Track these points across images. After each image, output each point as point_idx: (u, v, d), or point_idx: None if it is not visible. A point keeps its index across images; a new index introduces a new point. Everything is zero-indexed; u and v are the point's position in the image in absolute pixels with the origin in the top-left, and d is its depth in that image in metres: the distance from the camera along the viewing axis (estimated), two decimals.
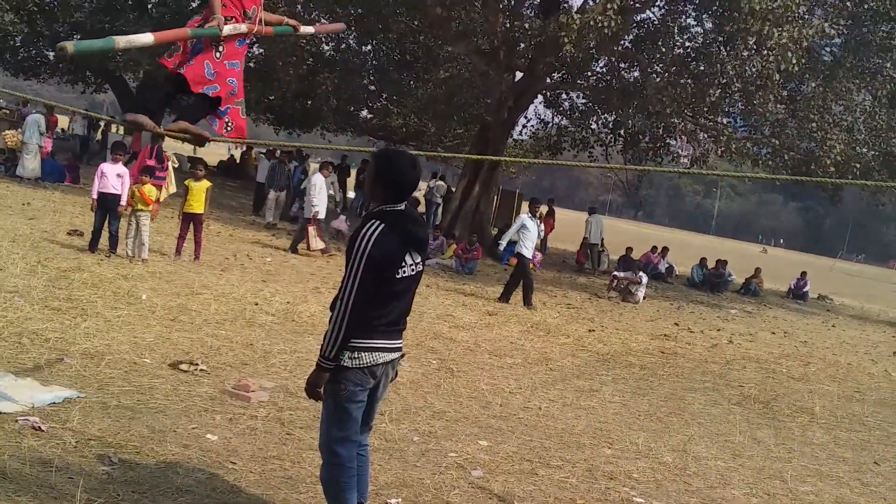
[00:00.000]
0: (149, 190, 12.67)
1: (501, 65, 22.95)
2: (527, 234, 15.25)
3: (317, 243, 17.24)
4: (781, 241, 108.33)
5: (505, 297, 15.43)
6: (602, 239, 26.58)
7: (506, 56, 22.99)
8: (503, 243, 16.44)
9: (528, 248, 15.33)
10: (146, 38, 4.43)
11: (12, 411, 5.62)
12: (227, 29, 4.78)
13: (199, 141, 5.54)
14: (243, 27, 4.89)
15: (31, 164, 20.12)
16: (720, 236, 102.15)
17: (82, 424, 5.63)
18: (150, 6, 31.09)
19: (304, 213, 17.45)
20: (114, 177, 12.51)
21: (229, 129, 5.19)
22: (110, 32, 27.04)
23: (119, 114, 30.92)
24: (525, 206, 22.18)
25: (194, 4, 31.59)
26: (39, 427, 5.42)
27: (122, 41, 4.35)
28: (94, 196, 12.50)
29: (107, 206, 12.50)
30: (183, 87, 5.06)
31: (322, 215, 17.47)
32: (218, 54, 4.91)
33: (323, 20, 27.28)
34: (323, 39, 29.57)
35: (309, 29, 5.71)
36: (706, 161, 24.53)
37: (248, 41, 5.13)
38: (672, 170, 23.16)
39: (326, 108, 30.52)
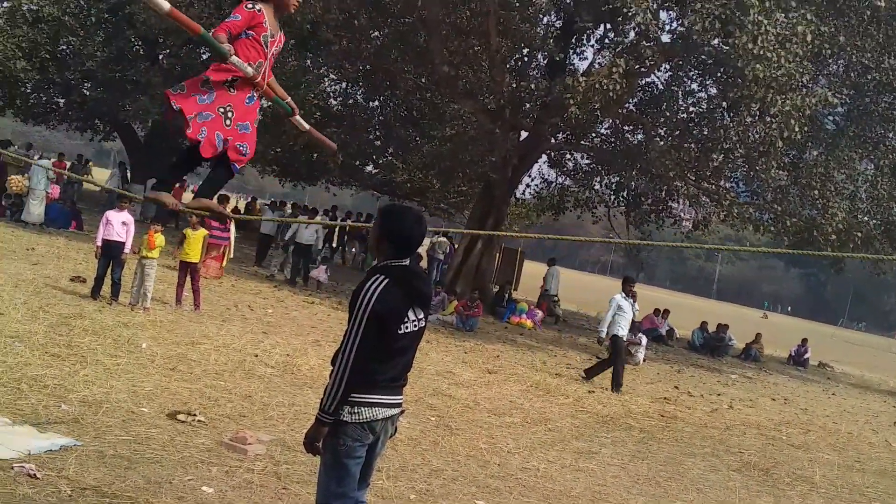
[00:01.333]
0: (158, 240, 12.70)
1: (507, 124, 23.17)
2: (622, 315, 14.43)
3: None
4: (789, 308, 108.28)
5: (591, 374, 14.79)
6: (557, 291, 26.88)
7: (511, 115, 23.22)
8: (603, 329, 14.60)
9: (623, 329, 14.45)
10: (164, 5, 4.44)
11: (8, 458, 5.59)
12: (236, 60, 4.78)
13: (220, 218, 5.57)
14: (250, 70, 4.89)
15: (36, 209, 20.22)
16: (721, 300, 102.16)
17: (78, 473, 5.59)
18: (160, 57, 31.48)
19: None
20: (119, 224, 12.58)
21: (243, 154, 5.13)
22: (121, 81, 27.46)
23: (134, 187, 31.30)
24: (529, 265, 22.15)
25: (204, 57, 32.01)
26: (34, 475, 5.39)
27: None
28: (99, 243, 12.56)
29: (111, 253, 12.54)
30: (198, 156, 5.06)
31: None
32: (228, 121, 4.92)
33: (332, 75, 27.66)
34: (330, 94, 29.90)
35: (304, 123, 5.63)
36: (708, 225, 24.63)
37: (256, 97, 5.14)
38: (665, 243, 23.28)
39: (332, 163, 30.69)
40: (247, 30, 4.88)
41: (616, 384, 14.21)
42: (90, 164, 35.76)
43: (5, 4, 28.60)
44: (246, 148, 5.03)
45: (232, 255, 16.73)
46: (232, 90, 4.94)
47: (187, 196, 17.08)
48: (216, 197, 5.36)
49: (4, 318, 9.70)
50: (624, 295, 14.65)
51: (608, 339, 14.43)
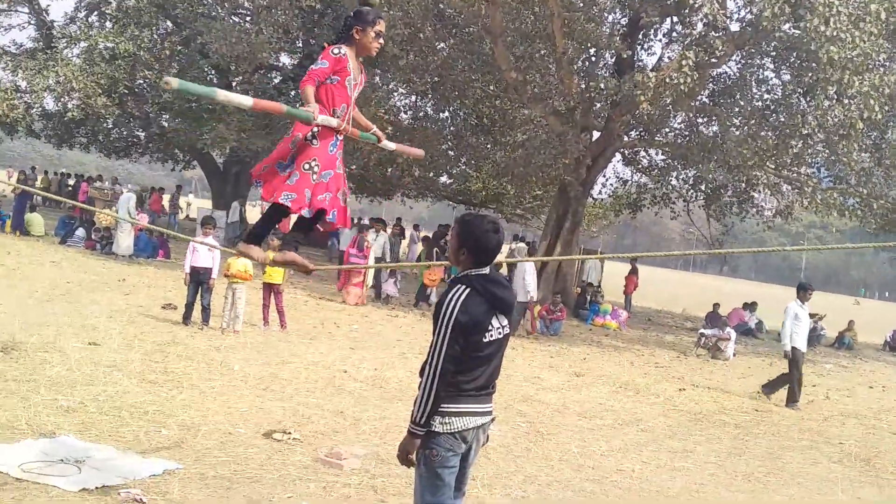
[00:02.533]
0: (243, 264, 12.96)
1: (578, 125, 23.05)
2: (798, 324, 13.71)
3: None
4: (886, 293, 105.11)
5: (770, 389, 13.93)
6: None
7: (582, 116, 23.11)
8: (786, 343, 13.60)
9: (801, 339, 13.67)
10: (245, 101, 4.62)
11: (114, 484, 5.78)
12: (322, 118, 4.95)
13: (305, 272, 5.81)
14: (334, 122, 5.07)
15: (125, 241, 20.83)
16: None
17: (182, 496, 5.75)
18: (234, 84, 32.16)
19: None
20: (205, 251, 12.89)
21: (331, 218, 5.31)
22: (196, 112, 28.16)
23: (216, 213, 31.93)
24: (609, 265, 21.96)
25: (276, 81, 32.62)
26: (141, 499, 5.55)
27: (222, 95, 4.55)
28: (187, 270, 12.88)
29: (199, 279, 12.85)
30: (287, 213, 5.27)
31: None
32: (315, 176, 5.09)
33: (401, 88, 27.88)
34: (401, 108, 30.15)
35: (390, 145, 5.83)
36: (791, 213, 24.14)
37: (340, 140, 5.28)
38: (748, 250, 22.86)
39: (409, 177, 30.95)
40: (332, 75, 5.04)
41: (791, 399, 13.34)
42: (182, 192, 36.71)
43: (83, 44, 29.55)
44: (333, 215, 5.22)
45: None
46: (314, 142, 5.11)
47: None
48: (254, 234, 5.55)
49: (102, 349, 10.02)
50: (800, 303, 13.92)
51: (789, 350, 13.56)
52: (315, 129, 5.05)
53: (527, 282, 18.01)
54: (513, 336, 17.76)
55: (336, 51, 5.07)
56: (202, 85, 4.68)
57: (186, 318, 12.88)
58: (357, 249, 19.46)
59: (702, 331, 20.09)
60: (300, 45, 32.69)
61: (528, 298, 18.03)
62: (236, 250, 5.73)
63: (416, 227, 23.62)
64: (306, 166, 5.06)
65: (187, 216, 39.28)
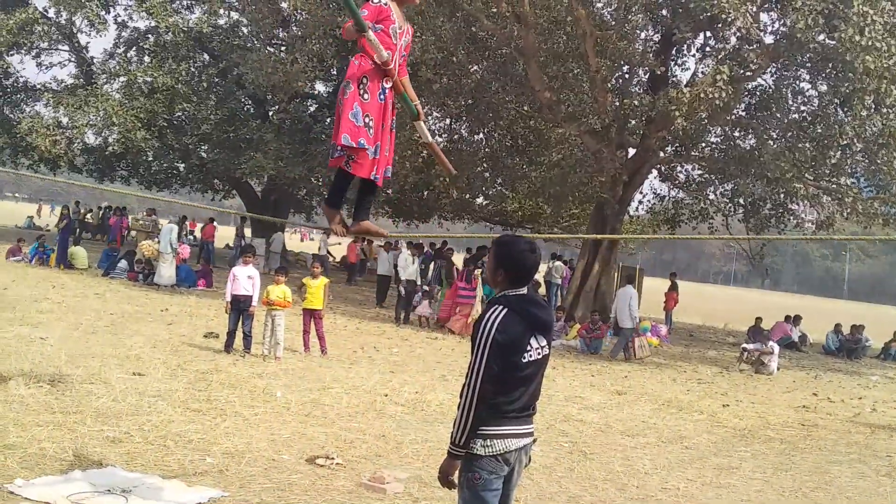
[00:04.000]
0: (282, 291, 13.08)
1: (613, 143, 23.02)
2: None
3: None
4: None
5: None
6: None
7: (617, 133, 23.08)
8: None
9: None
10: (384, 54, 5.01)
11: None
12: (371, 35, 4.96)
13: (379, 237, 5.89)
14: (385, 54, 5.08)
15: (167, 271, 21.09)
16: (853, 300, 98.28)
17: None
18: (270, 113, 32.55)
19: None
20: (245, 279, 13.02)
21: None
22: (235, 140, 28.50)
23: (255, 240, 32.17)
24: (648, 281, 21.81)
25: (311, 109, 32.95)
26: None
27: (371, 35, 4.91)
28: (228, 299, 13.01)
29: (239, 307, 12.98)
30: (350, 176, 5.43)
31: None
32: (371, 131, 5.18)
33: (435, 112, 28.02)
34: (436, 130, 30.29)
35: (426, 132, 5.83)
36: (832, 224, 23.88)
37: (388, 90, 5.30)
38: (793, 237, 22.56)
39: (446, 199, 31.05)
40: (375, 23, 5.10)
41: None
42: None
43: (122, 79, 30.09)
44: (389, 171, 5.31)
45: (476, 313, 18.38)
46: (365, 95, 5.17)
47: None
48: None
49: (146, 379, 10.15)
50: None
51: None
52: (364, 78, 5.14)
53: (632, 308, 18.74)
54: (616, 359, 18.38)
55: (377, 0, 5.13)
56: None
57: (228, 346, 13.00)
58: (465, 282, 20.32)
59: (744, 345, 19.88)
60: (335, 72, 33.01)
61: (634, 324, 18.87)
62: (350, 231, 5.80)
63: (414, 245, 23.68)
64: (360, 118, 5.18)
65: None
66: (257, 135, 29.08)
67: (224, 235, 34.53)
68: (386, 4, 5.16)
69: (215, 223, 30.60)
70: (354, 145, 5.17)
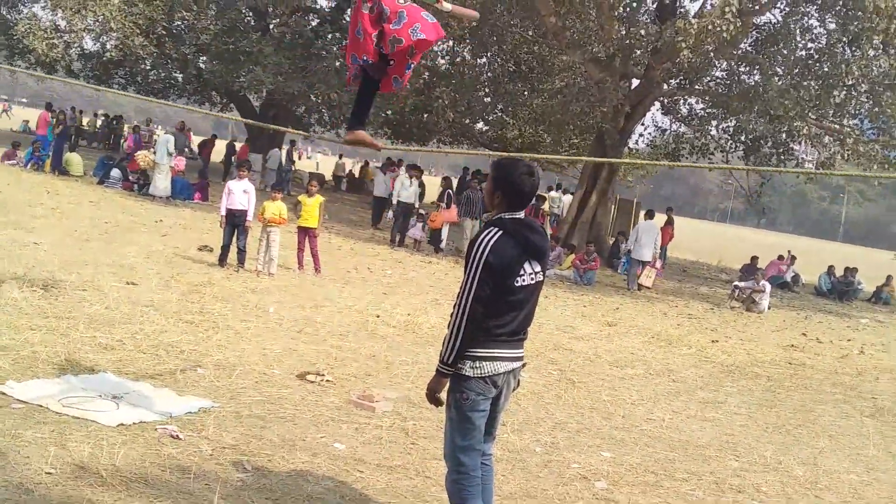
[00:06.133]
0: (278, 208, 13.02)
1: (617, 72, 22.76)
2: None
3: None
4: None
5: None
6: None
7: (622, 64, 22.80)
8: None
9: None
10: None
11: (151, 420, 5.88)
12: None
13: (374, 148, 5.84)
14: None
15: (162, 182, 20.96)
16: (848, 243, 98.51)
17: (217, 433, 5.84)
18: (271, 27, 32.02)
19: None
20: (240, 193, 12.95)
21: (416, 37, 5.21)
22: (235, 53, 28.10)
23: (252, 156, 31.89)
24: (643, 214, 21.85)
25: (313, 23, 32.44)
26: (177, 436, 5.65)
27: None
28: (223, 213, 12.95)
29: (234, 222, 12.94)
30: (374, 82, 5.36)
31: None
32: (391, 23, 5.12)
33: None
34: (438, 53, 29.90)
35: (447, 5, 5.77)
36: (832, 165, 23.78)
37: None
38: (792, 170, 22.50)
39: (443, 122, 30.82)
40: None
41: None
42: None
43: None
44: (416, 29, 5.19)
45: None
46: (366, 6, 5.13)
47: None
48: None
49: (140, 289, 10.16)
50: None
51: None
52: None
53: (657, 242, 19.84)
54: (628, 290, 18.73)
55: None
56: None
57: (222, 260, 12.99)
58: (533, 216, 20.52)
59: (736, 283, 19.98)
60: None
61: (653, 255, 19.90)
62: (344, 140, 5.76)
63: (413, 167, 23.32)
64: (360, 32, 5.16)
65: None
66: (257, 48, 28.61)
67: (220, 150, 34.24)
68: None
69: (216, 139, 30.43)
70: (360, 62, 5.14)
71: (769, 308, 18.81)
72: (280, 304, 10.71)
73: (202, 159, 30.23)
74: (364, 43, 5.13)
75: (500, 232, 4.16)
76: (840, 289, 25.25)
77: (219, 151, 34.01)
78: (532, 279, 4.27)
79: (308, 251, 13.94)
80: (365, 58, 5.16)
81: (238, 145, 33.59)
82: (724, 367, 11.44)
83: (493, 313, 4.14)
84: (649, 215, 20.65)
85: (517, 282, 4.17)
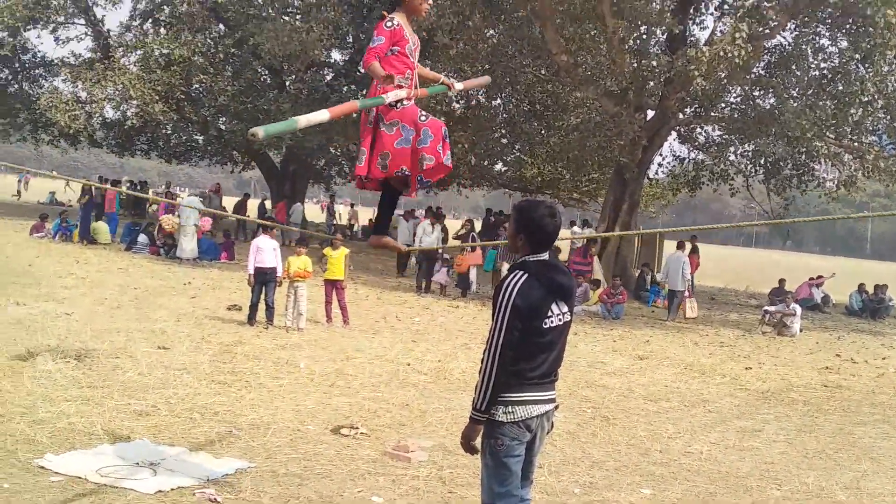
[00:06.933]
0: (303, 262, 13.14)
1: (632, 105, 22.83)
2: None
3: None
4: None
5: None
6: None
7: (635, 96, 22.87)
8: None
9: None
10: (322, 115, 4.73)
11: (189, 485, 5.92)
12: (391, 96, 5.08)
13: (398, 251, 6.06)
14: (403, 93, 5.19)
15: (188, 245, 21.19)
16: (876, 259, 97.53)
17: (254, 493, 5.88)
18: (287, 84, 32.44)
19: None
20: (269, 251, 13.10)
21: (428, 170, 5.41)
22: (253, 112, 28.50)
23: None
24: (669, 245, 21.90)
25: (328, 78, 32.85)
26: (216, 499, 5.69)
27: (302, 121, 4.67)
28: (251, 271, 13.05)
29: (263, 279, 13.06)
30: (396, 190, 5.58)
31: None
32: (404, 140, 5.27)
33: (451, 78, 27.86)
34: (453, 98, 30.14)
35: (459, 85, 6.00)
36: (854, 183, 23.64)
37: (410, 103, 5.38)
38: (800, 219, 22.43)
39: (464, 166, 30.96)
40: (392, 46, 5.14)
41: None
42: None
43: (139, 52, 30.04)
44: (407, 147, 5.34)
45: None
46: (391, 129, 5.31)
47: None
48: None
49: (171, 352, 10.25)
50: None
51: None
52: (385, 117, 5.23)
53: (684, 271, 19.69)
54: (669, 322, 18.78)
55: (389, 24, 5.19)
56: (282, 122, 4.75)
57: (251, 318, 13.08)
58: (581, 257, 21.54)
59: (766, 308, 19.81)
60: (350, 40, 32.82)
61: (685, 287, 19.84)
62: (369, 245, 5.96)
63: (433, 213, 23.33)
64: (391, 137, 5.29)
65: (351, 225, 39.05)
66: (274, 105, 29.00)
67: (253, 209, 34.59)
68: (398, 25, 5.22)
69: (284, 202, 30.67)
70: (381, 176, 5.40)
71: (801, 331, 18.63)
72: (311, 359, 10.76)
73: (238, 221, 30.48)
74: (369, 160, 5.31)
75: (526, 275, 4.19)
76: (871, 307, 24.98)
77: (250, 210, 34.36)
78: (560, 320, 4.28)
79: (336, 303, 14.01)
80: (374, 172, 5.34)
81: (251, 202, 33.82)
82: (759, 394, 11.34)
83: (523, 356, 4.16)
84: (679, 246, 20.65)
85: (545, 323, 4.19)
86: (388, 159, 5.26)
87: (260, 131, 4.41)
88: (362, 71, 32.12)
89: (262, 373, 9.65)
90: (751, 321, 20.53)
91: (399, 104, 5.25)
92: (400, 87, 5.25)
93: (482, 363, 4.16)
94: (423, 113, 5.34)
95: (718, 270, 37.00)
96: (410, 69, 5.31)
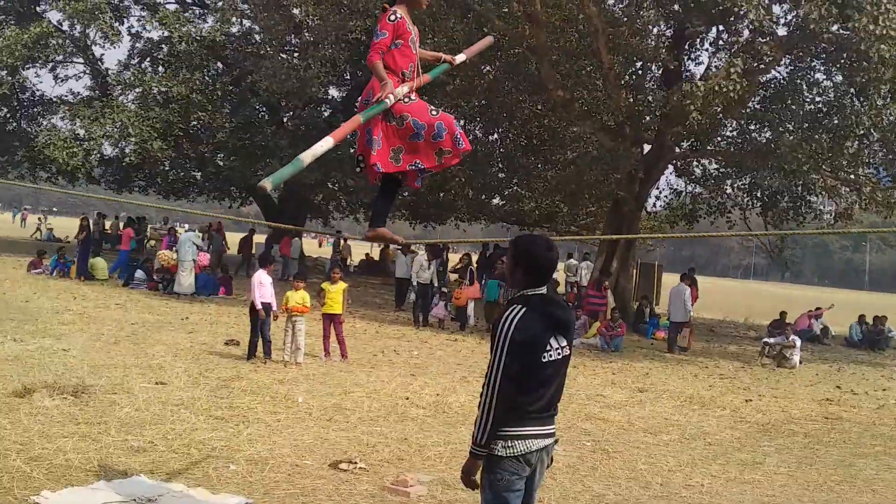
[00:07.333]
0: (302, 297, 13.14)
1: (628, 139, 22.97)
2: None
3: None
4: None
5: None
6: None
7: (632, 130, 23.02)
8: None
9: None
10: (327, 143, 4.69)
11: None
12: (392, 99, 5.10)
13: (395, 243, 5.97)
14: (405, 88, 5.21)
15: (186, 280, 21.20)
16: (875, 291, 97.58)
17: None
18: (285, 120, 32.62)
19: None
20: (269, 285, 13.12)
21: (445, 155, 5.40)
22: (251, 148, 28.62)
23: (274, 247, 32.10)
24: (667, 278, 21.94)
25: (325, 114, 33.04)
26: None
27: (308, 156, 4.60)
28: (259, 306, 12.98)
29: (265, 313, 13.06)
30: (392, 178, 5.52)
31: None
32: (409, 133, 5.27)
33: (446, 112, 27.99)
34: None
35: (461, 57, 6.05)
36: (851, 216, 23.73)
37: (414, 98, 5.40)
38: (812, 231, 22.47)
39: (461, 200, 31.08)
40: (395, 40, 5.19)
41: None
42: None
43: (137, 90, 30.22)
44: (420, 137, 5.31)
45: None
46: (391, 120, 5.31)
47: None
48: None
49: (169, 388, 10.20)
50: None
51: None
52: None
53: (686, 303, 19.83)
54: (669, 353, 18.94)
55: (392, 17, 5.24)
56: (287, 165, 4.66)
57: (251, 354, 13.03)
58: (595, 290, 21.76)
59: (766, 339, 19.79)
60: (348, 77, 33.09)
61: (688, 318, 20.01)
62: (366, 237, 5.87)
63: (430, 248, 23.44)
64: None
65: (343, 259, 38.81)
66: (272, 141, 29.17)
67: (236, 242, 34.57)
68: (400, 18, 5.27)
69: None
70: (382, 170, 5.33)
71: (801, 363, 18.61)
72: (309, 393, 10.71)
73: (244, 257, 30.51)
74: (382, 152, 5.29)
75: (524, 309, 4.17)
76: (871, 338, 24.96)
77: (234, 243, 34.31)
78: (559, 354, 4.27)
79: (334, 338, 13.97)
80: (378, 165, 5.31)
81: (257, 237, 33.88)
82: (759, 427, 11.29)
83: (522, 391, 4.14)
84: (682, 279, 20.72)
85: (544, 357, 4.17)
86: (402, 153, 5.27)
87: (268, 184, 4.40)
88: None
89: (259, 408, 9.60)
90: (750, 353, 20.50)
91: (406, 98, 5.28)
92: (404, 80, 5.30)
93: (481, 397, 4.15)
94: (433, 108, 5.36)
95: (717, 302, 36.98)
96: (413, 61, 5.38)
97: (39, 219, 48.31)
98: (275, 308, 13.23)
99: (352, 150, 28.20)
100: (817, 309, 26.68)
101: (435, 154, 5.28)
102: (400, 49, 5.27)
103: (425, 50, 5.83)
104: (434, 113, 5.29)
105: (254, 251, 30.44)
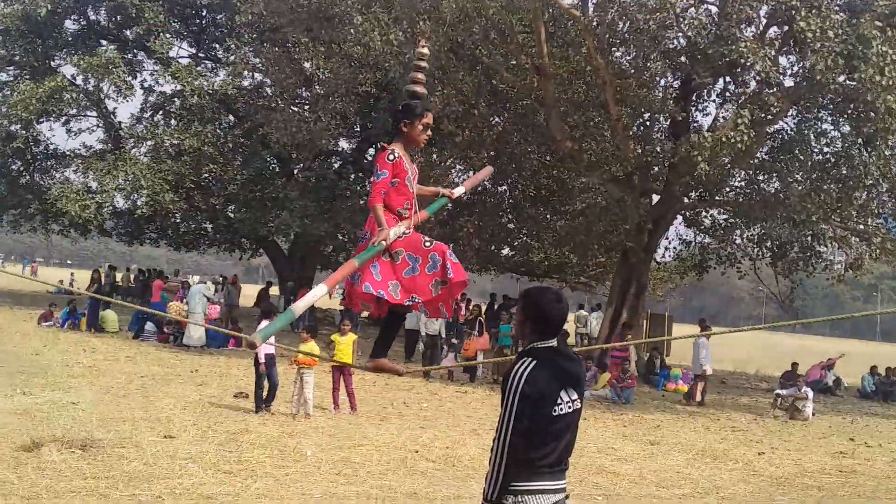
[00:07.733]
0: (309, 349, 13.12)
1: (637, 190, 23.04)
2: None
3: None
4: None
5: None
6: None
7: (640, 181, 23.09)
8: None
9: None
10: (320, 291, 4.73)
11: None
12: (392, 233, 5.13)
13: (395, 374, 6.00)
14: (402, 228, 5.25)
15: (196, 332, 21.21)
16: (887, 342, 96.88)
17: None
18: (295, 172, 32.85)
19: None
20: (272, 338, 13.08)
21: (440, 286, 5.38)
22: (262, 200, 28.77)
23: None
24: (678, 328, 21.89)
25: (335, 166, 33.28)
26: None
27: (300, 307, 4.67)
28: (262, 360, 13.00)
29: (269, 362, 13.04)
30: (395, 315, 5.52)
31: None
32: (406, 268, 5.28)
33: (458, 165, 28.19)
34: (460, 184, 30.41)
35: (461, 189, 6.07)
36: (861, 266, 23.65)
37: (411, 231, 5.42)
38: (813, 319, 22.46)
39: (470, 250, 31.10)
40: (392, 178, 5.25)
41: None
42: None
43: (149, 143, 30.52)
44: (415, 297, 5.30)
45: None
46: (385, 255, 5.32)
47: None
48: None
49: (177, 441, 10.17)
50: None
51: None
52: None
53: (702, 355, 19.71)
54: (685, 405, 18.83)
55: (391, 156, 5.26)
56: (278, 318, 4.67)
57: (259, 407, 13.01)
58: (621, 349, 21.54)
59: (778, 391, 19.63)
60: (358, 129, 33.37)
61: (702, 371, 19.86)
62: (366, 368, 5.83)
63: None
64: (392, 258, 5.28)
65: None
66: (283, 193, 29.36)
67: (250, 293, 34.66)
68: (398, 157, 5.31)
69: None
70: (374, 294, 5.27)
71: (814, 415, 18.43)
72: (318, 447, 10.66)
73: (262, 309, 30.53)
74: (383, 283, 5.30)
75: (535, 362, 4.16)
76: (884, 389, 24.73)
77: (247, 295, 34.38)
78: (570, 407, 4.23)
79: (343, 390, 13.93)
80: (381, 291, 5.32)
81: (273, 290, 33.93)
82: (773, 480, 11.17)
83: (532, 445, 4.10)
84: (702, 329, 20.70)
85: (555, 411, 4.14)
86: (399, 288, 5.28)
87: (257, 339, 4.45)
88: (368, 159, 32.61)
89: (268, 461, 9.56)
90: (762, 405, 20.31)
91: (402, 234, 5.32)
92: (401, 218, 5.33)
93: (492, 452, 4.12)
94: (426, 238, 5.38)
95: (728, 353, 36.75)
96: (409, 199, 5.40)
97: (72, 273, 48.51)
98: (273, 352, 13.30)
99: (362, 202, 28.43)
100: (829, 360, 26.51)
101: (431, 287, 5.29)
102: (396, 187, 5.32)
103: (424, 187, 5.82)
104: (428, 244, 5.31)
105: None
